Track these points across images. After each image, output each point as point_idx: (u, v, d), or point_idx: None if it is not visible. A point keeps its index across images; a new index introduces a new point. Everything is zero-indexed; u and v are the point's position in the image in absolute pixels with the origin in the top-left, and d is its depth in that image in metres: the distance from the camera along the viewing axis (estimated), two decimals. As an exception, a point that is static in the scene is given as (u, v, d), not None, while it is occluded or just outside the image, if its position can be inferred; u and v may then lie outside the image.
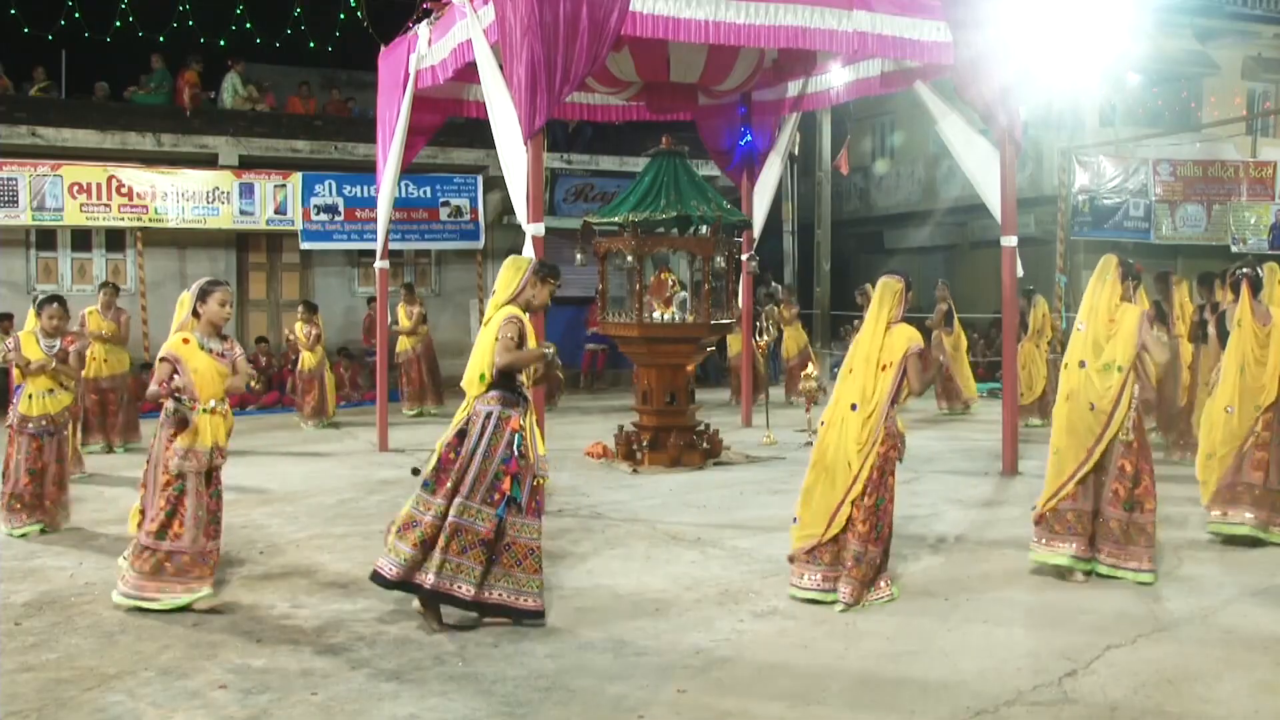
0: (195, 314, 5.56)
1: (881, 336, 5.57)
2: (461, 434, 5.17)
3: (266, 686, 4.48)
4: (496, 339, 5.12)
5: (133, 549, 5.54)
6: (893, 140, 22.90)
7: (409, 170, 13.62)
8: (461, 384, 5.31)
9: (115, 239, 15.87)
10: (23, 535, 7.21)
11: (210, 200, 15.15)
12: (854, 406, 5.51)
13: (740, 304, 11.49)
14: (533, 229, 7.93)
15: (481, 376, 5.17)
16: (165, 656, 4.83)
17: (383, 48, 11.40)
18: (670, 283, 10.40)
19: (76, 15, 15.69)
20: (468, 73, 9.38)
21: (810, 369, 12.14)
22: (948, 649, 4.95)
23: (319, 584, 6.00)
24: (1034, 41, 9.42)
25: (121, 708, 4.27)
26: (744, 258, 11.26)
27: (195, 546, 5.45)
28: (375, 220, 11.90)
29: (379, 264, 11.34)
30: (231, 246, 16.49)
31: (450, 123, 12.90)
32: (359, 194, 15.71)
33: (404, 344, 13.91)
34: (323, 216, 15.78)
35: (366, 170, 13.90)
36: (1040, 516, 6.06)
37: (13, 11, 15.29)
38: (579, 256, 10.31)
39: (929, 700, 4.34)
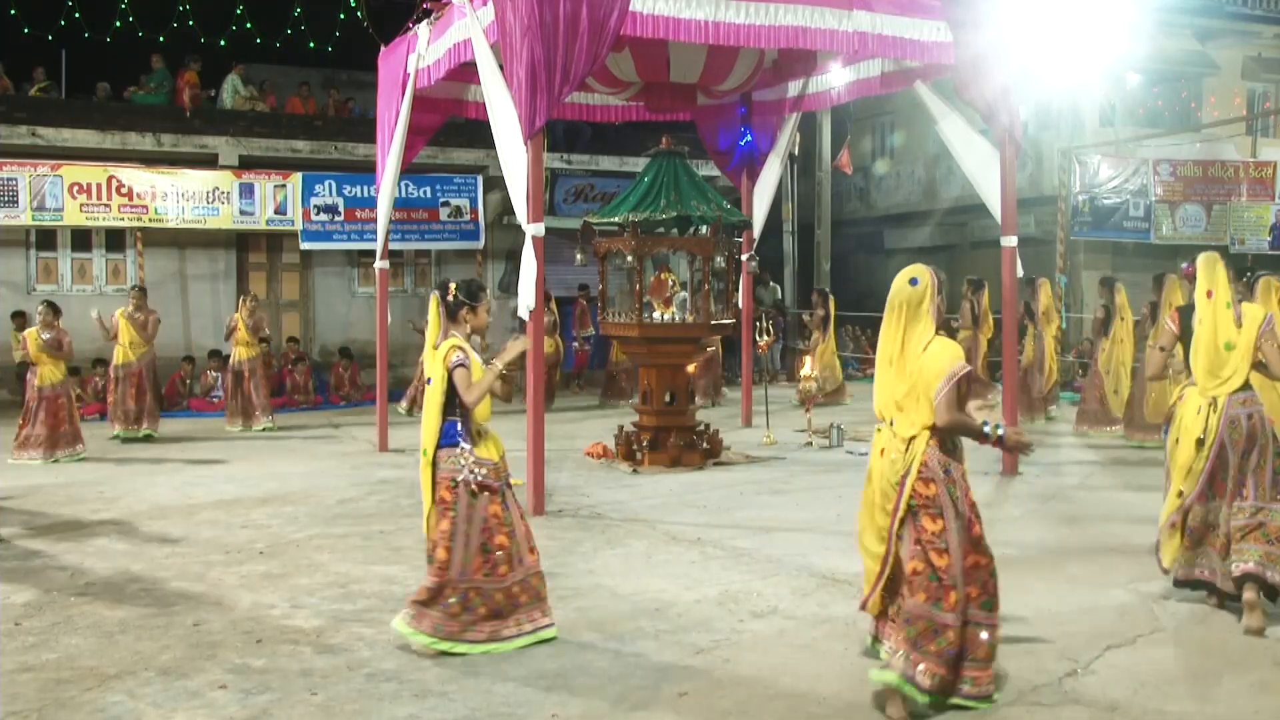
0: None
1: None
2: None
3: (266, 686, 4.48)
4: (1263, 337, 5.29)
5: None
6: (893, 140, 22.88)
7: (409, 170, 13.62)
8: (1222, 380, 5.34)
9: (115, 239, 15.86)
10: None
11: (210, 200, 15.16)
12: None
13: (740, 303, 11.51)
14: (533, 229, 7.95)
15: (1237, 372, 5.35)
16: (165, 656, 4.83)
17: (383, 48, 11.41)
18: (670, 283, 10.41)
19: (76, 15, 15.72)
20: (466, 72, 9.39)
21: (808, 369, 12.14)
22: (948, 649, 4.94)
23: (319, 584, 6.00)
24: (1034, 41, 9.43)
25: (121, 708, 4.27)
26: (744, 258, 11.27)
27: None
28: (375, 220, 11.91)
29: (379, 264, 11.36)
30: (231, 246, 16.47)
31: (450, 123, 12.90)
32: (359, 194, 15.71)
33: (124, 356, 11.87)
34: (323, 216, 15.78)
35: (366, 170, 13.90)
36: None
37: (13, 11, 15.30)
38: (579, 256, 10.33)
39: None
